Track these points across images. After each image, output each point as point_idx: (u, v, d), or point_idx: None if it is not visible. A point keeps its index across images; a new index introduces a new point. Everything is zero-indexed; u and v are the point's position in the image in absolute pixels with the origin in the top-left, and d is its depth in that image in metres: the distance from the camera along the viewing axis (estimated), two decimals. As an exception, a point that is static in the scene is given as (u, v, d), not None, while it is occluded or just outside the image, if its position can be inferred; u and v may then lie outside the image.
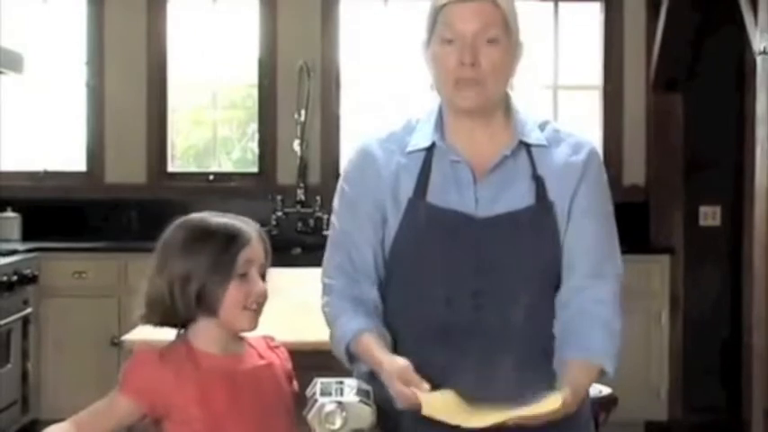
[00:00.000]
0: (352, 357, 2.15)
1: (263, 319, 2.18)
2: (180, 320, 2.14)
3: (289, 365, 2.26)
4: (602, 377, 2.15)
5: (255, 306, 2.13)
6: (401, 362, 2.02)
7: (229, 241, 2.10)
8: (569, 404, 2.00)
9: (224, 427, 2.08)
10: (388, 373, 2.02)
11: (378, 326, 2.13)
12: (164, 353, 2.12)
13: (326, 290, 2.22)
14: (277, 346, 2.27)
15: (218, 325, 2.13)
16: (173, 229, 2.16)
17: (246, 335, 2.20)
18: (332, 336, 2.18)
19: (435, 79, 2.16)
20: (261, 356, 2.21)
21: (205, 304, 2.10)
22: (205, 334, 2.14)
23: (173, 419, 2.09)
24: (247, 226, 2.16)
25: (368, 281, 2.18)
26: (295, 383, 2.25)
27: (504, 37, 2.11)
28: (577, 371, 2.09)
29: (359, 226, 2.19)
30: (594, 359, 2.11)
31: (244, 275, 2.10)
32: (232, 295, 2.09)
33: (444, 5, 2.10)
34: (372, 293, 2.18)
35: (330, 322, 2.19)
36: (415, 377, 1.99)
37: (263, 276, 2.16)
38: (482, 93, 2.11)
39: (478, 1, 2.09)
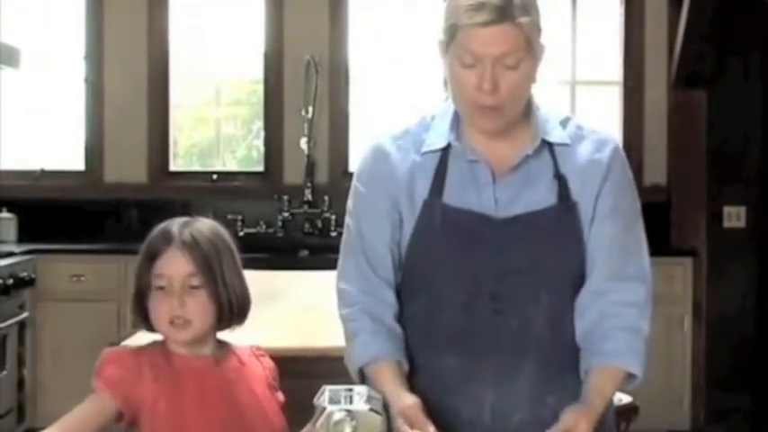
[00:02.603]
0: (363, 379, 2.12)
1: (268, 323, 2.26)
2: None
3: (273, 376, 2.28)
4: (630, 381, 2.10)
5: (181, 321, 2.14)
6: (408, 400, 2.00)
7: (146, 255, 2.18)
8: (587, 426, 1.98)
9: (189, 425, 2.11)
10: (393, 410, 2.00)
11: (396, 351, 2.10)
12: (139, 350, 2.18)
13: (343, 298, 2.17)
14: (262, 355, 2.29)
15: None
16: None
17: (232, 342, 2.25)
18: (348, 352, 2.14)
19: (453, 95, 2.12)
20: (241, 362, 2.23)
21: (146, 317, 2.18)
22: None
23: (144, 416, 2.10)
24: (175, 235, 2.17)
25: (386, 285, 2.14)
26: (280, 394, 2.27)
27: (526, 57, 2.04)
28: (600, 378, 2.05)
29: (376, 226, 2.15)
30: (618, 363, 2.07)
31: (161, 289, 2.14)
32: (153, 312, 2.16)
33: (464, 27, 2.01)
34: (390, 299, 2.14)
35: (348, 337, 2.15)
36: (421, 418, 1.97)
37: (210, 285, 2.15)
38: (501, 118, 2.07)
39: (500, 24, 1.99)
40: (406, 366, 2.09)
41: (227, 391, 2.17)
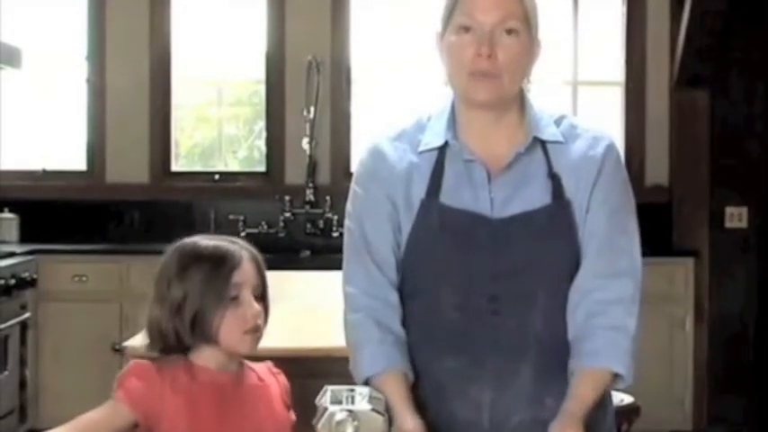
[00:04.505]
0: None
1: (270, 323, 2.17)
2: (181, 348, 2.14)
3: (287, 393, 2.26)
4: (617, 382, 2.07)
5: (255, 329, 2.12)
6: (409, 424, 1.99)
7: (218, 265, 2.12)
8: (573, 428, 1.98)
9: None
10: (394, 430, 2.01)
11: (403, 362, 2.08)
12: (161, 364, 2.13)
13: (349, 302, 2.15)
14: (279, 373, 2.28)
15: (219, 349, 2.14)
16: (167, 255, 2.18)
17: (249, 361, 2.22)
18: (354, 361, 2.12)
19: (449, 71, 2.11)
20: (260, 379, 2.21)
21: (202, 332, 2.10)
22: (205, 354, 2.15)
23: (162, 430, 2.08)
24: (239, 248, 2.16)
25: (391, 286, 2.13)
26: (292, 414, 2.24)
27: (523, 30, 2.07)
28: (580, 381, 2.04)
29: (378, 227, 2.14)
30: (599, 363, 2.04)
31: (235, 299, 2.11)
32: (229, 321, 2.10)
33: None
34: (396, 300, 2.13)
35: (354, 346, 2.13)
36: None
37: (262, 298, 2.16)
38: (497, 86, 2.06)
39: None
40: (411, 377, 2.08)
41: (249, 409, 2.15)
